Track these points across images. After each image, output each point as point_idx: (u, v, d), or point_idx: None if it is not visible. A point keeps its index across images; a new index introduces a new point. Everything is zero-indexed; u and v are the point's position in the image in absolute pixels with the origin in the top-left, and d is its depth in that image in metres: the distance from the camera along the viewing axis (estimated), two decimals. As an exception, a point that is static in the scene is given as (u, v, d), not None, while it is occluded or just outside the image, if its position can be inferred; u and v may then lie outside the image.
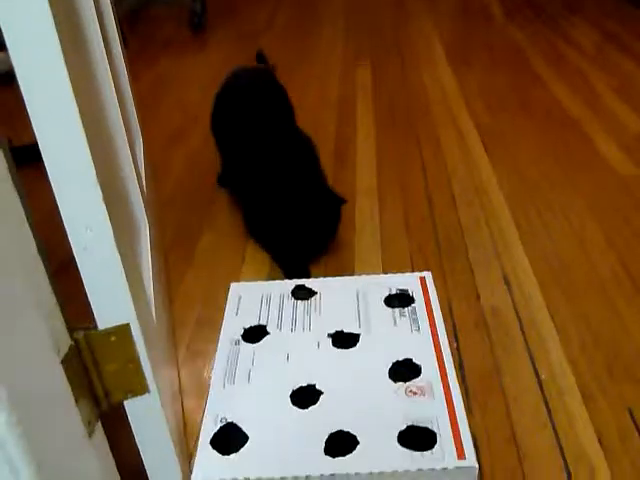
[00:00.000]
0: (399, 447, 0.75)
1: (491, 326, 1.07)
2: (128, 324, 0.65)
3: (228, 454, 0.75)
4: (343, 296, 1.00)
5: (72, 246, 0.61)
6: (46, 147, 0.56)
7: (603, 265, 1.19)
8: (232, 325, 0.95)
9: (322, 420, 0.79)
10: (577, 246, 1.25)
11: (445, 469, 0.72)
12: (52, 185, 0.58)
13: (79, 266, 0.62)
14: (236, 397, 0.83)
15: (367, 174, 1.57)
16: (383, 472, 0.73)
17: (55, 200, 0.59)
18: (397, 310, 0.96)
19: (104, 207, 0.58)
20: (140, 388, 0.68)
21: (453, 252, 1.26)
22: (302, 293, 1.03)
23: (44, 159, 0.57)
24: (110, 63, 0.92)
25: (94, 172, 0.58)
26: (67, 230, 0.60)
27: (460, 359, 1.00)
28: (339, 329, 0.93)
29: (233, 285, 1.05)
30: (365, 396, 0.82)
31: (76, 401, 0.60)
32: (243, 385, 0.85)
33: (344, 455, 0.75)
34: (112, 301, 0.63)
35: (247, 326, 0.95)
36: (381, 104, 1.99)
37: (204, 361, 1.05)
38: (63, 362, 0.59)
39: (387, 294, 0.99)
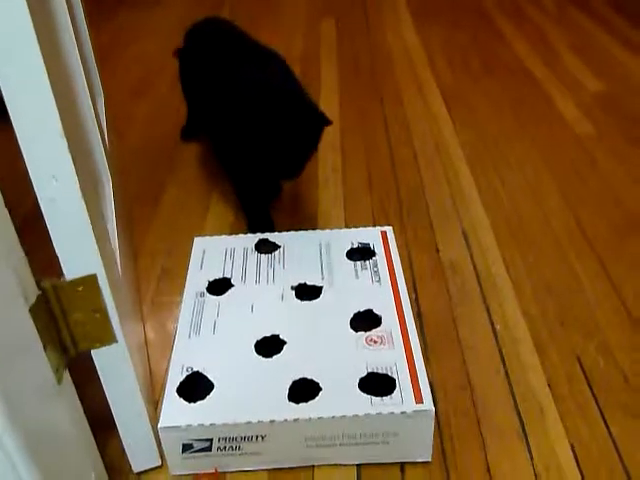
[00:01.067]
0: (360, 393, 0.77)
1: (449, 279, 1.10)
2: (95, 275, 0.66)
3: (194, 401, 0.77)
4: (306, 249, 1.02)
5: (38, 197, 0.61)
6: (11, 98, 0.56)
7: (557, 220, 1.23)
8: (197, 278, 0.96)
9: (286, 368, 0.81)
10: (533, 202, 1.29)
11: (404, 413, 0.75)
12: (17, 136, 0.58)
13: (45, 217, 0.62)
14: (201, 347, 0.85)
15: (330, 130, 1.57)
16: (345, 416, 0.75)
17: (17, 153, 0.59)
18: (359, 263, 0.98)
19: (70, 157, 0.59)
20: (107, 338, 0.70)
21: (414, 208, 1.28)
22: (266, 247, 1.03)
23: (9, 110, 0.57)
24: (71, 16, 0.91)
25: (59, 122, 0.58)
26: (33, 181, 0.60)
27: (419, 310, 1.04)
28: (302, 282, 0.95)
29: (197, 239, 1.06)
30: (327, 345, 0.85)
31: (44, 348, 0.62)
32: (208, 336, 0.86)
33: (307, 401, 0.77)
34: (79, 252, 0.64)
35: (212, 279, 0.96)
36: (345, 60, 1.98)
37: (169, 313, 1.06)
38: (31, 310, 0.60)
39: (349, 247, 1.01)
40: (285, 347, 0.85)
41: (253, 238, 1.05)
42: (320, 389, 0.78)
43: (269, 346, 0.85)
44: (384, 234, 1.05)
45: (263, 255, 1.01)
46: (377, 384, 0.79)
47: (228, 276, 0.97)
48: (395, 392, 0.77)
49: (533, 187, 1.34)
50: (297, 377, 0.80)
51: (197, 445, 0.77)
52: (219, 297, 0.93)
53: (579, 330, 0.99)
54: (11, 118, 0.57)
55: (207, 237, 1.07)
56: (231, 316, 0.90)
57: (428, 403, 0.76)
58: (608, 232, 1.19)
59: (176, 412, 0.76)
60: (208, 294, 0.94)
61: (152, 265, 1.17)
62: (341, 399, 0.77)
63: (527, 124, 1.58)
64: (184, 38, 1.44)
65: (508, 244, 1.18)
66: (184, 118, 1.53)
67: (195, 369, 0.81)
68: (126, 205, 1.23)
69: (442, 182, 1.36)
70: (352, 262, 0.99)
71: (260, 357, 0.83)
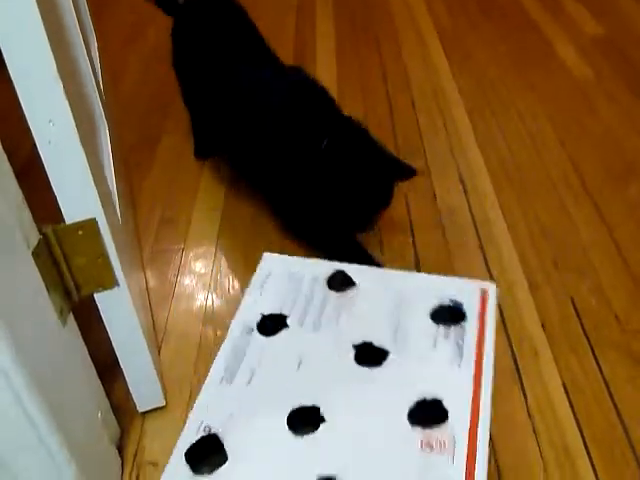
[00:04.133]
0: None
1: (446, 225, 1.11)
2: (94, 219, 0.67)
3: (200, 472, 0.67)
4: (384, 296, 0.84)
5: (36, 141, 0.61)
6: (6, 42, 0.56)
7: (554, 165, 1.24)
8: (251, 306, 0.84)
9: (314, 458, 0.67)
10: (531, 147, 1.29)
11: None
12: (13, 81, 0.58)
13: (44, 161, 0.63)
14: (228, 401, 0.73)
15: (327, 76, 1.57)
16: None
17: (15, 99, 0.59)
18: (442, 328, 0.79)
19: (66, 100, 0.59)
20: (109, 282, 0.71)
21: (411, 154, 1.28)
22: (339, 282, 0.88)
23: (4, 54, 0.57)
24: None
25: (55, 65, 0.58)
26: (30, 125, 0.60)
27: (416, 257, 1.05)
28: (368, 340, 0.79)
29: (266, 255, 0.91)
30: (371, 438, 0.69)
31: (48, 291, 0.63)
32: (241, 388, 0.74)
33: None
34: (78, 195, 0.65)
35: (266, 313, 0.83)
36: (341, 8, 1.95)
37: (169, 261, 1.08)
38: (33, 254, 0.61)
39: (436, 304, 0.82)
40: (322, 426, 0.70)
41: (329, 267, 0.88)
42: None
43: (305, 419, 0.72)
44: (484, 293, 0.83)
45: (333, 292, 0.85)
46: None
47: (286, 313, 0.82)
48: None
49: (531, 133, 1.34)
50: (324, 474, 0.65)
51: None
52: (267, 339, 0.80)
53: (573, 272, 1.01)
54: (7, 63, 0.57)
55: (276, 256, 0.91)
56: (273, 368, 0.76)
57: None
58: (605, 177, 1.20)
59: None
60: (257, 332, 0.80)
61: (151, 214, 1.18)
62: None
63: (526, 69, 1.57)
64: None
65: (505, 190, 1.18)
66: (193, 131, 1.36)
67: (213, 430, 0.70)
68: (123, 153, 1.23)
69: (440, 129, 1.36)
70: (435, 326, 0.80)
71: (290, 433, 0.70)
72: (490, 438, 0.68)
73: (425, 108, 1.44)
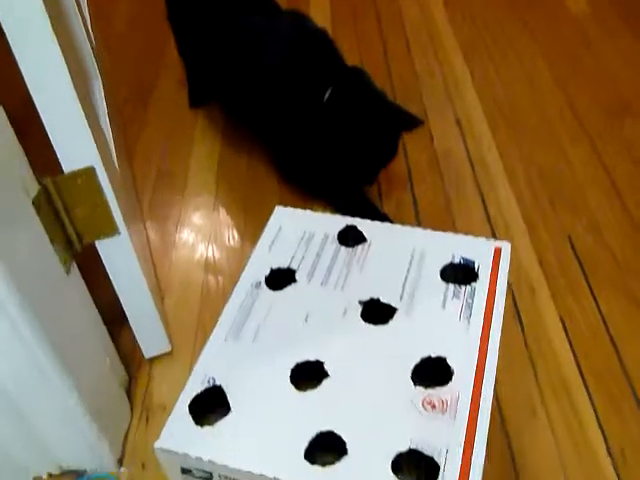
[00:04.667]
0: (390, 474, 0.61)
1: (443, 167, 1.12)
2: (93, 167, 0.67)
3: (202, 424, 0.67)
4: (395, 253, 0.83)
5: (30, 92, 0.61)
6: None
7: (551, 106, 1.23)
8: (260, 261, 0.83)
9: (316, 412, 0.67)
10: (526, 87, 1.29)
11: None
12: (4, 27, 0.58)
13: (39, 111, 0.62)
14: (233, 356, 0.73)
15: (321, 20, 1.54)
16: None
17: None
18: (452, 287, 0.78)
19: (57, 46, 0.58)
20: (110, 229, 0.72)
21: (408, 97, 1.27)
22: (350, 237, 0.86)
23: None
24: None
25: (48, 20, 0.57)
26: (23, 72, 0.60)
27: (414, 198, 1.06)
28: (376, 297, 0.78)
29: (278, 209, 0.90)
30: (374, 395, 0.69)
31: (50, 240, 0.64)
32: (246, 344, 0.74)
33: (324, 464, 0.63)
34: (75, 144, 0.65)
35: (275, 267, 0.82)
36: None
37: (168, 212, 1.09)
38: (34, 203, 0.62)
39: (447, 262, 0.81)
40: (325, 382, 0.70)
41: (340, 222, 0.87)
42: (345, 452, 0.63)
43: (308, 374, 0.71)
44: (497, 252, 0.82)
45: (343, 248, 0.84)
46: (416, 466, 0.63)
47: (295, 267, 0.82)
48: None
49: (527, 72, 1.33)
50: (324, 428, 0.65)
51: (197, 473, 0.68)
52: (275, 293, 0.79)
53: (569, 211, 1.02)
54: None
55: (289, 209, 0.90)
56: (279, 323, 0.76)
57: None
58: (601, 115, 1.20)
59: (178, 434, 0.67)
60: (265, 286, 0.80)
61: (148, 167, 1.18)
62: (364, 476, 0.62)
63: (522, 9, 1.54)
64: None
65: (501, 131, 1.18)
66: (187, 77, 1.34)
67: (217, 382, 0.70)
68: (117, 105, 1.23)
69: (436, 72, 1.35)
70: (444, 284, 0.79)
71: (292, 388, 0.69)
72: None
73: (420, 51, 1.42)
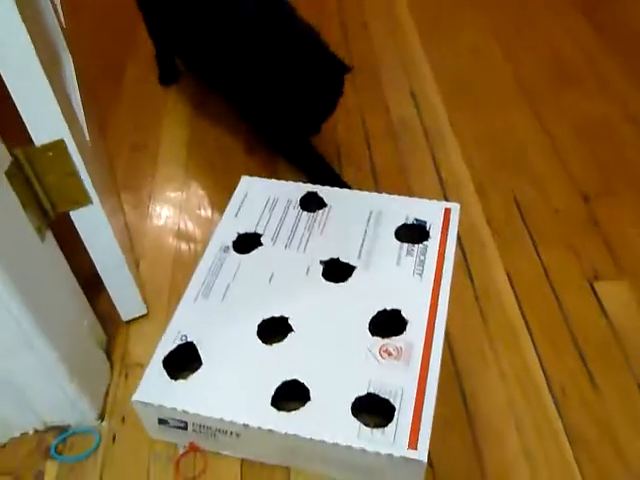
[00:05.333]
0: (350, 417, 0.63)
1: (399, 134, 1.11)
2: (62, 140, 0.65)
3: (176, 378, 0.68)
4: (353, 216, 0.83)
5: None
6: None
7: (498, 77, 1.23)
8: (227, 227, 0.83)
9: (281, 363, 0.68)
10: (477, 61, 1.27)
11: (390, 455, 0.60)
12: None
13: (9, 87, 0.60)
14: (204, 314, 0.73)
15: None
16: (324, 441, 0.62)
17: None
18: (405, 246, 0.79)
19: (18, 16, 0.56)
20: (82, 199, 0.70)
21: (365, 72, 1.25)
22: (312, 203, 0.86)
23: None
24: None
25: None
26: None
27: (372, 164, 1.05)
28: (335, 256, 0.78)
29: (244, 179, 0.90)
30: (335, 346, 0.69)
31: (24, 209, 0.62)
32: (215, 303, 0.74)
33: (290, 410, 0.64)
34: (44, 117, 0.62)
35: (242, 232, 0.82)
36: None
37: (141, 184, 1.07)
38: (7, 174, 0.59)
39: (401, 223, 0.82)
40: (290, 335, 0.71)
41: (302, 189, 0.87)
42: (309, 398, 0.65)
43: (274, 329, 0.72)
44: (447, 213, 0.82)
45: (305, 213, 0.84)
46: (374, 408, 0.64)
47: (260, 232, 0.82)
48: (390, 426, 0.62)
49: (476, 47, 1.31)
50: (289, 378, 0.66)
51: (172, 423, 0.68)
52: (242, 256, 0.79)
53: (514, 172, 1.02)
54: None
55: (255, 178, 0.89)
56: (246, 283, 0.76)
57: (422, 452, 0.60)
58: (544, 85, 1.20)
59: (154, 387, 0.67)
60: (232, 250, 0.80)
61: (120, 141, 1.15)
62: (327, 419, 0.63)
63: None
64: None
65: (453, 101, 1.17)
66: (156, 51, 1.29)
67: (189, 339, 0.70)
68: (88, 82, 1.19)
69: (391, 48, 1.33)
70: (398, 243, 0.79)
71: (259, 342, 0.70)
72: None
73: (377, 29, 1.40)
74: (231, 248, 0.81)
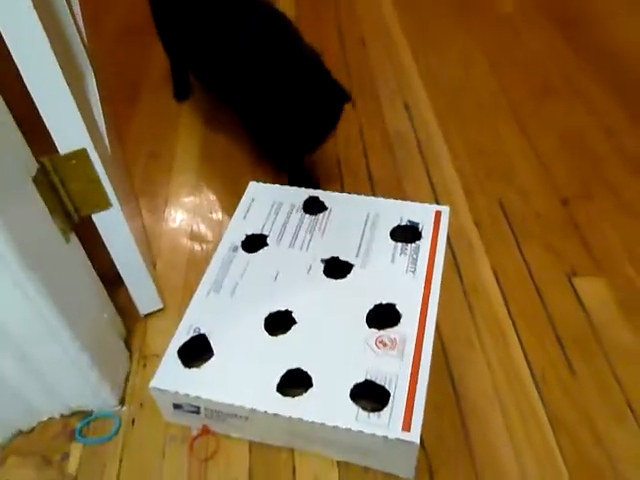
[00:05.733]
0: (349, 401, 0.65)
1: (394, 145, 1.13)
2: (85, 149, 0.67)
3: (190, 366, 0.70)
4: (351, 218, 0.86)
5: (25, 81, 0.60)
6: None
7: (485, 91, 1.25)
8: (237, 228, 0.85)
9: (285, 353, 0.70)
10: (465, 76, 1.29)
11: (385, 437, 0.62)
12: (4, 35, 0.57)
13: (34, 99, 0.62)
14: (215, 308, 0.75)
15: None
16: (324, 424, 0.64)
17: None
18: (400, 245, 0.81)
19: (41, 27, 0.57)
20: (103, 203, 0.72)
21: (362, 85, 1.28)
22: (313, 207, 0.88)
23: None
24: None
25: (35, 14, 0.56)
26: (19, 68, 0.59)
27: (369, 172, 1.07)
28: (335, 255, 0.80)
29: (251, 184, 0.92)
30: (335, 337, 0.71)
31: (50, 213, 0.64)
32: (225, 297, 0.76)
33: (293, 396, 0.66)
34: (67, 128, 0.64)
35: (249, 233, 0.84)
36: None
37: (157, 190, 1.09)
38: (34, 180, 0.62)
39: (396, 224, 0.84)
40: (293, 328, 0.73)
41: (305, 194, 0.89)
42: (311, 385, 0.67)
43: (279, 322, 0.73)
44: (438, 215, 0.84)
45: (307, 216, 0.86)
46: (371, 394, 0.66)
47: (266, 233, 0.84)
48: (385, 410, 0.64)
49: (465, 63, 1.33)
50: (293, 366, 0.68)
51: (187, 407, 0.70)
52: (250, 255, 0.81)
53: (501, 179, 1.04)
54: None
55: (262, 184, 0.92)
56: (254, 280, 0.78)
57: (415, 434, 0.62)
58: (528, 97, 1.21)
59: (169, 375, 0.69)
60: (241, 249, 0.82)
61: (138, 150, 1.17)
62: (328, 404, 0.65)
63: (457, 7, 1.54)
64: None
65: (444, 114, 1.19)
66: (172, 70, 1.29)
67: (202, 331, 0.73)
68: (109, 97, 1.21)
69: (386, 63, 1.35)
70: (393, 243, 0.81)
71: (265, 334, 0.72)
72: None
73: (374, 45, 1.42)
74: (240, 248, 0.83)
